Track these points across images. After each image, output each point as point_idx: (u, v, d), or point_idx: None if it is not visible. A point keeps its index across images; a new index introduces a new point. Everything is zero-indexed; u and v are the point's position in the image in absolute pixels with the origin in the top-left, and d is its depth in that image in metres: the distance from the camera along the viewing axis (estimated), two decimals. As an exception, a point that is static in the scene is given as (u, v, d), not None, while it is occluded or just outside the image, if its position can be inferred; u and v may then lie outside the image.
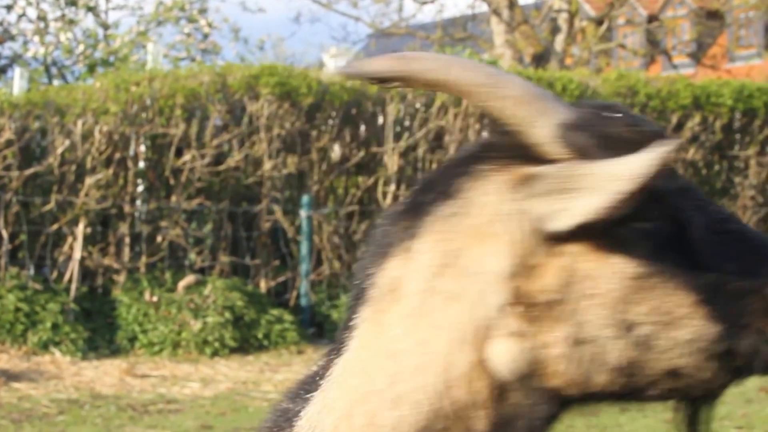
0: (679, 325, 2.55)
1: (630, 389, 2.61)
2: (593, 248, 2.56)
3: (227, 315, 15.15)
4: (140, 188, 16.97)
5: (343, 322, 2.79)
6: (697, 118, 20.40)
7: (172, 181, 16.85)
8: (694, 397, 2.67)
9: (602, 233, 2.52)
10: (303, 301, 16.98)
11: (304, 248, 17.09)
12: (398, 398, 2.65)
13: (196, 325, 14.92)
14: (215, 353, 14.86)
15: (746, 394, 12.16)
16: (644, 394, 2.63)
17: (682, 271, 2.56)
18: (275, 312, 16.01)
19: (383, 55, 2.63)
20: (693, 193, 2.65)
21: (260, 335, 15.46)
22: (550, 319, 2.58)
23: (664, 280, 2.55)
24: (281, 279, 17.37)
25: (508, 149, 2.63)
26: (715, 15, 44.20)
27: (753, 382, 12.71)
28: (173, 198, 16.81)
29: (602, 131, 2.54)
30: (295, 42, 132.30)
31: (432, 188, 2.72)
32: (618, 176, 2.45)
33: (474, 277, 2.62)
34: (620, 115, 2.61)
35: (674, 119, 20.26)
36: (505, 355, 2.58)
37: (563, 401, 2.65)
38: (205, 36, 32.35)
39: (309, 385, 3.19)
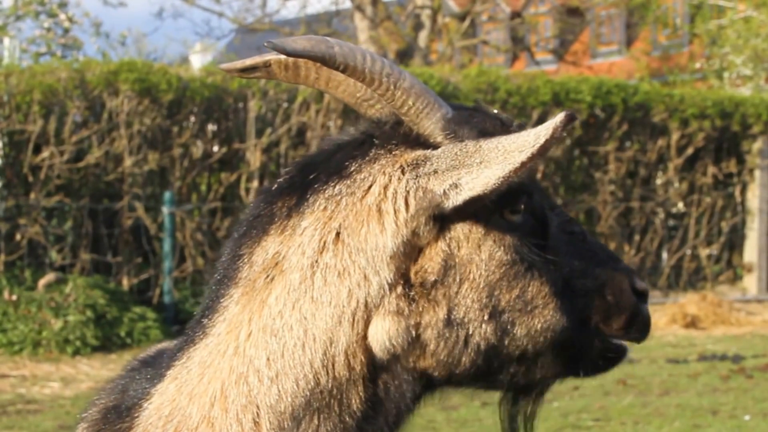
0: (535, 314, 2.73)
1: (484, 373, 2.76)
2: (470, 235, 2.70)
3: (89, 313, 15.01)
4: (-2, 185, 16.74)
5: (203, 307, 2.85)
6: (556, 114, 20.66)
7: (30, 178, 16.64)
8: (529, 385, 2.87)
9: (479, 220, 2.69)
10: (166, 299, 16.90)
11: (166, 245, 17.01)
12: (277, 376, 2.70)
13: (57, 323, 14.76)
14: (77, 352, 14.72)
15: (604, 386, 12.43)
16: (494, 378, 2.80)
17: (542, 264, 2.74)
18: (138, 310, 15.91)
19: (306, 36, 2.73)
20: (547, 195, 2.87)
21: (123, 333, 15.34)
22: (428, 300, 2.69)
23: (527, 271, 2.73)
24: (144, 276, 17.27)
25: (397, 136, 2.77)
26: (576, 12, 44.89)
27: (611, 375, 12.98)
28: (32, 195, 16.60)
29: (480, 126, 2.72)
30: (158, 37, 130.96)
31: (315, 169, 2.81)
32: (513, 148, 2.58)
33: (358, 254, 2.70)
34: (489, 113, 2.82)
35: (535, 115, 20.50)
36: (384, 334, 2.68)
37: (429, 383, 2.78)
38: (66, 31, 31.91)
39: (147, 370, 3.20)
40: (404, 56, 31.81)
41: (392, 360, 2.70)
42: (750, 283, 23.04)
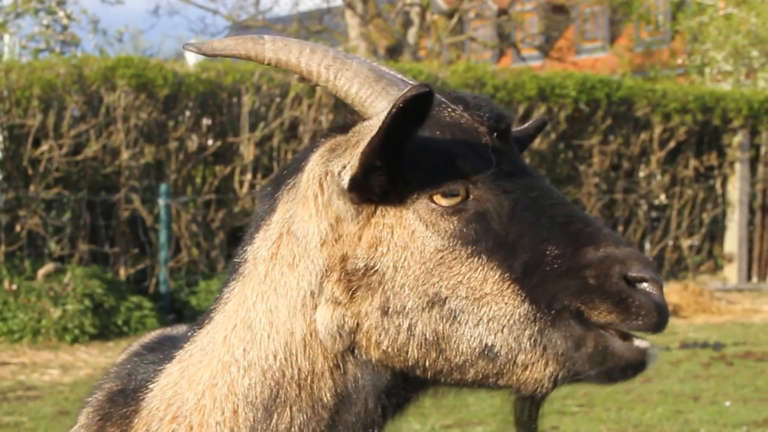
0: (485, 302, 2.53)
1: (447, 368, 2.58)
2: (401, 221, 2.60)
3: (87, 302, 15.00)
4: (-2, 178, 16.73)
5: (216, 296, 2.89)
6: (542, 109, 20.69)
7: (30, 171, 16.62)
8: (519, 389, 2.59)
9: (406, 204, 2.59)
10: (162, 288, 16.89)
11: (162, 236, 17.00)
12: (249, 366, 2.70)
13: (56, 312, 14.74)
14: (75, 340, 14.70)
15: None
16: (464, 375, 2.59)
17: (491, 248, 2.55)
18: (134, 299, 15.89)
19: (236, 36, 2.73)
20: (524, 179, 2.64)
21: (120, 322, 15.33)
22: (365, 288, 2.60)
23: (471, 257, 2.55)
24: (140, 266, 17.26)
25: (342, 126, 2.74)
26: (561, 9, 44.90)
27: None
28: (32, 187, 16.59)
29: (438, 116, 2.64)
30: (155, 34, 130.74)
31: (289, 165, 2.83)
32: (372, 127, 2.53)
33: (300, 242, 2.69)
34: (466, 100, 2.72)
35: (521, 110, 20.50)
36: (324, 322, 2.63)
37: (406, 378, 2.66)
38: (64, 28, 31.80)
39: (154, 354, 3.21)
40: (394, 52, 31.79)
41: (348, 351, 2.64)
42: (730, 272, 23.10)
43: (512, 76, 20.94)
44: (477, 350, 2.54)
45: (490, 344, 2.52)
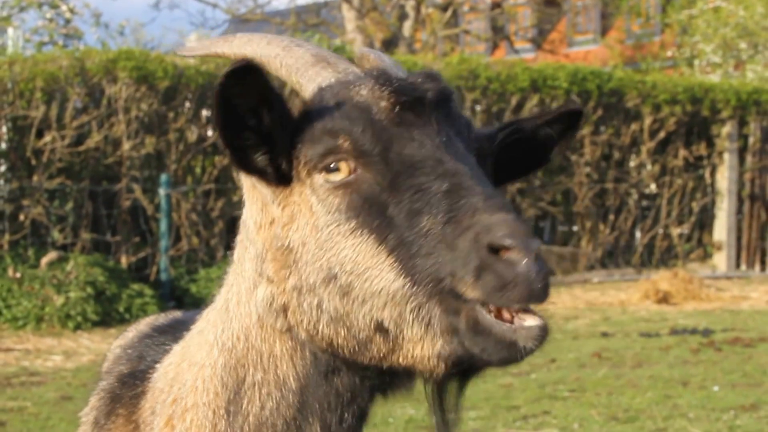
0: (368, 276, 2.45)
1: (358, 347, 2.51)
2: (304, 198, 2.59)
3: (89, 290, 14.99)
4: (2, 168, 16.72)
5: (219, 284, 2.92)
6: (534, 100, 20.70)
7: (33, 162, 16.62)
8: (417, 368, 2.49)
9: (304, 182, 2.58)
10: (163, 276, 16.89)
11: (163, 225, 16.99)
12: (223, 347, 2.73)
13: (59, 300, 14.73)
14: (78, 327, 14.69)
15: (580, 359, 12.46)
16: (370, 353, 2.51)
17: (375, 223, 2.48)
18: (136, 286, 15.89)
19: (203, 40, 2.76)
20: (418, 151, 2.52)
21: (122, 309, 15.32)
22: (287, 266, 2.59)
23: (355, 230, 2.49)
24: (141, 255, 17.27)
25: None
26: (553, 3, 44.89)
27: (587, 347, 12.94)
28: (35, 178, 16.59)
29: (343, 94, 2.59)
30: (156, 27, 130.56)
31: None
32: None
33: (248, 227, 2.73)
34: (371, 78, 2.63)
35: (514, 101, 20.53)
36: (261, 302, 2.65)
37: (342, 361, 2.60)
38: (67, 21, 31.78)
39: (165, 336, 3.23)
40: (389, 45, 31.77)
41: (293, 332, 2.63)
42: (719, 260, 23.11)
43: (505, 68, 20.93)
44: (372, 326, 2.46)
45: (379, 319, 2.44)
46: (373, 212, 2.48)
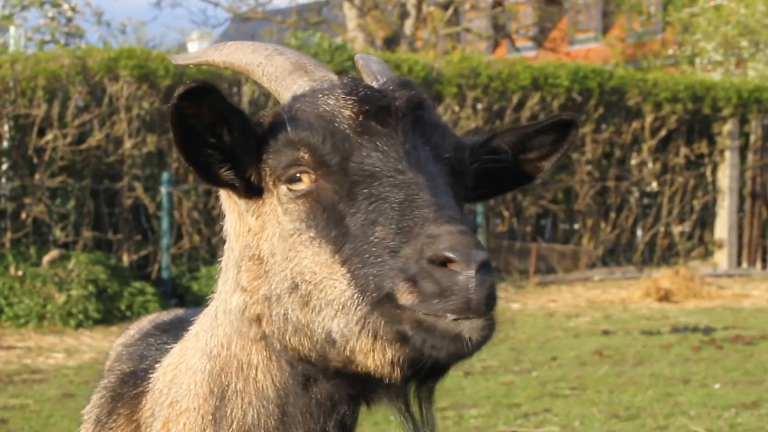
0: (322, 285, 2.45)
1: (318, 356, 2.50)
2: (272, 207, 2.60)
3: (91, 288, 14.99)
4: (4, 167, 16.72)
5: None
6: (536, 98, 20.70)
7: (35, 160, 16.63)
8: (375, 377, 2.46)
9: (272, 193, 2.59)
10: (164, 274, 16.89)
11: (164, 223, 16.99)
12: (210, 352, 2.73)
13: (61, 297, 14.73)
14: (79, 325, 14.70)
15: (581, 357, 12.46)
16: (331, 363, 2.50)
17: (331, 233, 2.48)
18: (137, 284, 15.89)
19: (212, 45, 2.77)
20: (379, 160, 2.51)
21: (123, 307, 15.32)
22: (258, 277, 2.61)
23: (312, 240, 2.50)
24: (143, 253, 17.27)
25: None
26: (554, 1, 44.85)
27: (588, 345, 12.92)
28: (37, 176, 16.59)
29: (311, 103, 2.59)
30: (157, 26, 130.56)
31: None
32: None
33: (229, 236, 2.75)
34: (338, 87, 2.62)
35: (515, 99, 20.53)
36: (234, 308, 2.66)
37: (316, 369, 2.57)
38: (69, 20, 31.77)
39: (167, 335, 3.22)
40: (391, 43, 31.78)
41: (268, 341, 2.62)
42: (720, 258, 23.10)
43: (506, 66, 20.93)
44: (325, 336, 2.45)
45: (329, 330, 2.44)
46: (331, 222, 2.48)
